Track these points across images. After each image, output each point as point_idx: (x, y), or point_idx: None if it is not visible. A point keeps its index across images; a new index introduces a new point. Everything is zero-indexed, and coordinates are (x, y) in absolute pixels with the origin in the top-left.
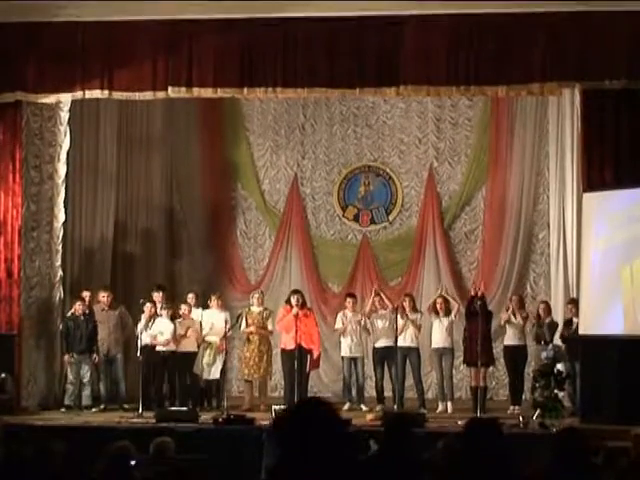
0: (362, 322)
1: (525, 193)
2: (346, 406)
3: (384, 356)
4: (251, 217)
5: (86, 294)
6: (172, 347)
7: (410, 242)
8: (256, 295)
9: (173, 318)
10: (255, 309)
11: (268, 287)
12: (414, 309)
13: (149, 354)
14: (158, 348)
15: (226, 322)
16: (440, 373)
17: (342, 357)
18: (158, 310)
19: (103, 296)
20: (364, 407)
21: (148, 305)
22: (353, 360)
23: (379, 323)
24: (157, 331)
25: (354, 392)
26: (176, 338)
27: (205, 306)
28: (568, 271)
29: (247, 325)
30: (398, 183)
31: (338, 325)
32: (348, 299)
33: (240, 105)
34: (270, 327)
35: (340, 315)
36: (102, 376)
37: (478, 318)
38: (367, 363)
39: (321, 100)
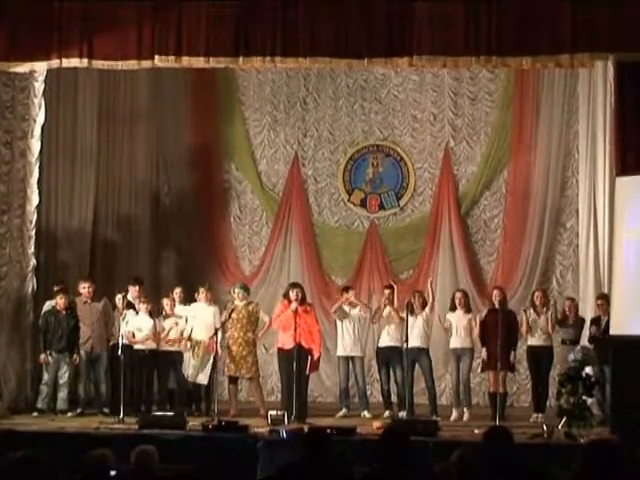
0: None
1: (551, 177)
2: (341, 412)
3: (388, 357)
4: (246, 201)
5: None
6: (152, 345)
7: (423, 230)
8: (236, 290)
9: (155, 313)
10: (239, 303)
11: (265, 279)
12: (424, 306)
13: (129, 353)
14: (137, 347)
15: (215, 317)
16: (456, 376)
17: (338, 357)
18: (136, 305)
19: (84, 287)
20: (367, 414)
21: (119, 297)
22: (350, 360)
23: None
24: (134, 327)
25: (353, 396)
26: (156, 336)
27: (192, 300)
28: (599, 264)
29: (225, 320)
30: (410, 164)
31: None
32: (344, 293)
33: (235, 76)
34: (266, 318)
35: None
36: (82, 377)
37: (498, 318)
38: (373, 365)
39: (325, 71)
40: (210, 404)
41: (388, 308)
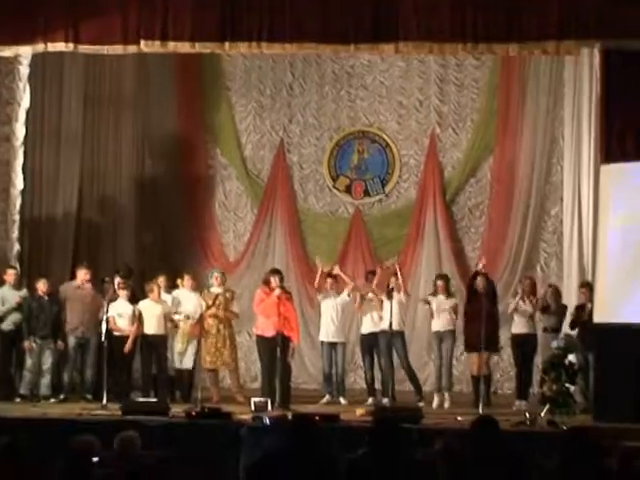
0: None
1: (537, 164)
2: (324, 399)
3: (371, 344)
4: (231, 187)
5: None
6: (130, 332)
7: (408, 217)
8: (215, 274)
9: (135, 299)
10: (215, 290)
11: (249, 265)
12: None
13: (112, 339)
14: (117, 333)
15: (198, 303)
16: (438, 360)
17: (321, 342)
18: (116, 290)
19: (84, 273)
20: (343, 400)
21: (107, 282)
22: (333, 346)
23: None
24: (114, 313)
25: (335, 383)
26: (137, 322)
27: (175, 286)
28: (583, 252)
29: (207, 307)
30: (396, 151)
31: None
32: (328, 279)
33: (221, 62)
34: (236, 309)
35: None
36: (69, 363)
37: (481, 298)
38: (357, 352)
39: (311, 57)
40: (190, 389)
41: (370, 293)
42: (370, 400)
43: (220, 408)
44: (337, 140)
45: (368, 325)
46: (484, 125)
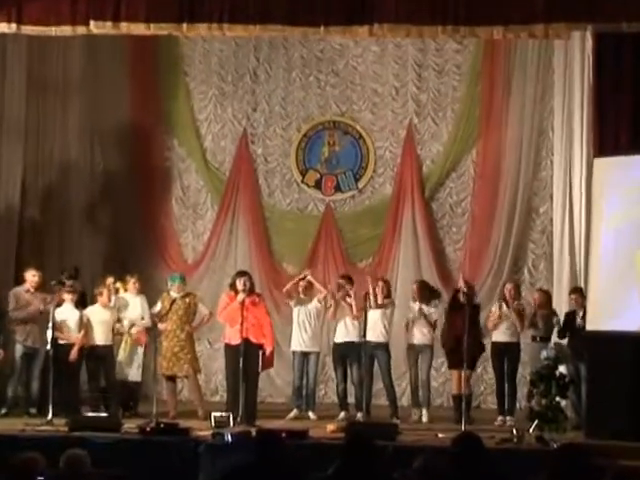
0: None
1: (524, 157)
2: (292, 414)
3: (345, 354)
4: (189, 181)
5: None
6: (76, 340)
7: (383, 215)
8: (176, 283)
9: (83, 304)
10: (176, 295)
11: (209, 267)
12: (387, 297)
13: (58, 348)
14: (63, 341)
15: (143, 309)
16: (415, 375)
17: (292, 352)
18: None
19: (33, 275)
20: (312, 415)
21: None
22: (305, 356)
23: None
24: (59, 320)
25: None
26: (85, 329)
27: (117, 290)
28: (575, 253)
29: (165, 312)
30: (370, 143)
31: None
32: (301, 282)
33: (178, 45)
34: (205, 310)
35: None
36: (15, 375)
37: (463, 313)
38: (328, 362)
39: (277, 40)
40: (137, 403)
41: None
42: (342, 415)
43: (177, 423)
44: (306, 131)
45: (342, 334)
46: (466, 115)
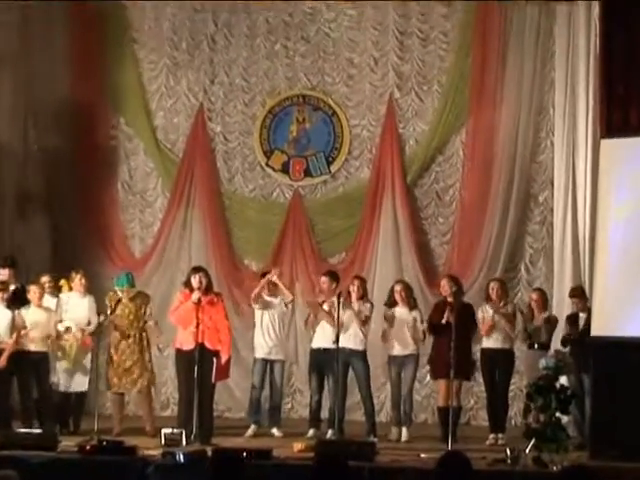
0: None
1: (521, 138)
2: (250, 431)
3: (322, 362)
4: (137, 164)
5: None
6: (6, 345)
7: (359, 203)
8: (125, 286)
9: (17, 303)
10: (122, 295)
11: (160, 263)
12: (362, 297)
13: None
14: None
15: (91, 310)
16: (397, 389)
17: (254, 359)
18: None
19: None
20: (277, 432)
21: None
22: (269, 365)
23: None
24: None
25: (266, 410)
26: (17, 333)
27: (60, 289)
28: (579, 248)
29: (111, 312)
30: (344, 120)
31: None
32: (263, 280)
33: (125, 9)
34: (149, 320)
35: None
36: None
37: (450, 312)
38: (294, 371)
39: (239, 3)
40: (79, 418)
41: (326, 304)
42: (311, 432)
43: (122, 441)
44: (271, 106)
45: (320, 339)
46: (454, 89)
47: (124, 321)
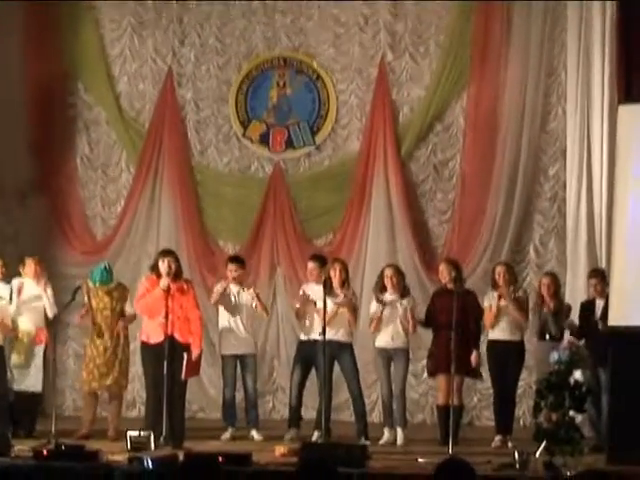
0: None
1: (529, 105)
2: (227, 434)
3: (310, 355)
4: (99, 136)
5: None
6: None
7: (348, 178)
8: (103, 278)
9: None
10: (95, 286)
11: (124, 246)
12: (343, 284)
13: None
14: None
15: (48, 300)
16: (387, 385)
17: (222, 356)
18: None
19: None
20: (256, 435)
21: None
22: (239, 360)
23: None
24: None
25: (241, 410)
26: None
27: (17, 273)
28: (594, 227)
29: (90, 307)
30: (331, 85)
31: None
32: (230, 265)
33: None
34: (131, 309)
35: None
36: None
37: (450, 299)
38: (278, 366)
39: None
40: (34, 420)
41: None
42: (290, 433)
43: (83, 445)
44: (248, 70)
45: (309, 330)
46: (454, 50)
47: (98, 316)
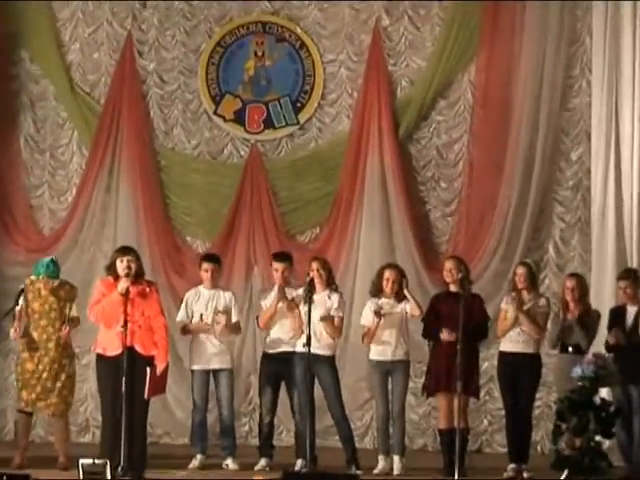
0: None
1: (547, 77)
2: (196, 461)
3: (280, 370)
4: (47, 113)
5: None
6: None
7: (337, 163)
8: (49, 271)
9: None
10: (39, 284)
11: (75, 241)
12: (329, 284)
13: None
14: None
15: None
16: (384, 405)
17: (192, 371)
18: None
19: None
20: (232, 463)
21: None
22: (212, 375)
23: None
24: None
25: (214, 434)
26: None
27: None
28: (624, 221)
29: (31, 311)
30: (317, 55)
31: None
32: (205, 264)
33: None
34: (76, 313)
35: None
36: None
37: (455, 304)
38: (255, 383)
39: None
40: None
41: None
42: (262, 462)
43: (28, 475)
44: (220, 37)
45: (276, 341)
46: (461, 15)
47: (42, 320)
